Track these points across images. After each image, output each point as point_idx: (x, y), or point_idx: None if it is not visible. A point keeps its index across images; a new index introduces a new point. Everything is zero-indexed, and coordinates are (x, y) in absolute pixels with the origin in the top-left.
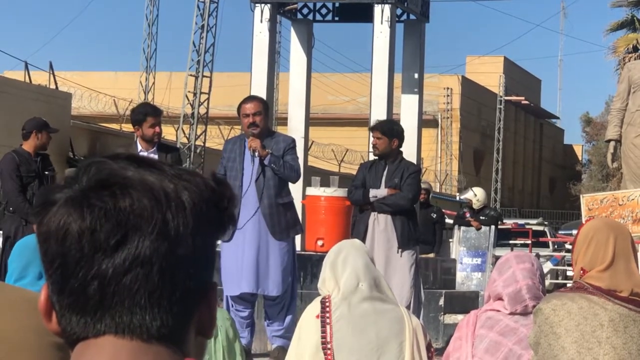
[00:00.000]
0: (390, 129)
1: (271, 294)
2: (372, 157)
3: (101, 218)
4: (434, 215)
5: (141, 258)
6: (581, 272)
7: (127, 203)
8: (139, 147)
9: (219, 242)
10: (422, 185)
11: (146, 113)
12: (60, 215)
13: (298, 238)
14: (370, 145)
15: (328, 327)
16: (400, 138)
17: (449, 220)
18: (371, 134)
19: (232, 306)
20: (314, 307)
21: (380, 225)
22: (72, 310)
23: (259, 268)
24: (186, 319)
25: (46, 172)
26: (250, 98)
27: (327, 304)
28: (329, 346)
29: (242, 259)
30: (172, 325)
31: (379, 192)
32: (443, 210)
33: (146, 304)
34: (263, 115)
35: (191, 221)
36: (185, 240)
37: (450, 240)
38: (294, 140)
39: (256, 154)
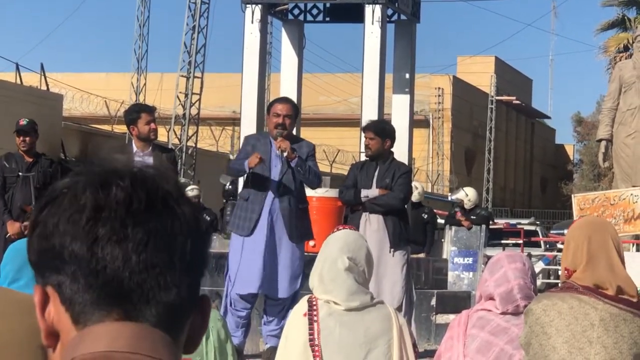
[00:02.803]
0: (383, 129)
1: (278, 296)
2: (363, 157)
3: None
4: (425, 216)
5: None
6: (565, 272)
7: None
8: (135, 148)
9: (233, 236)
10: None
11: (140, 110)
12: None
13: None
14: (362, 146)
15: (315, 324)
16: (393, 138)
17: (440, 221)
18: (363, 134)
19: (232, 305)
20: (301, 306)
21: (372, 225)
22: (88, 299)
23: (271, 269)
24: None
25: (30, 174)
26: (284, 99)
27: (314, 302)
28: (316, 343)
29: (258, 258)
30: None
31: (370, 192)
32: (434, 211)
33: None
34: (292, 120)
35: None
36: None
37: (442, 240)
38: (315, 147)
39: (285, 154)
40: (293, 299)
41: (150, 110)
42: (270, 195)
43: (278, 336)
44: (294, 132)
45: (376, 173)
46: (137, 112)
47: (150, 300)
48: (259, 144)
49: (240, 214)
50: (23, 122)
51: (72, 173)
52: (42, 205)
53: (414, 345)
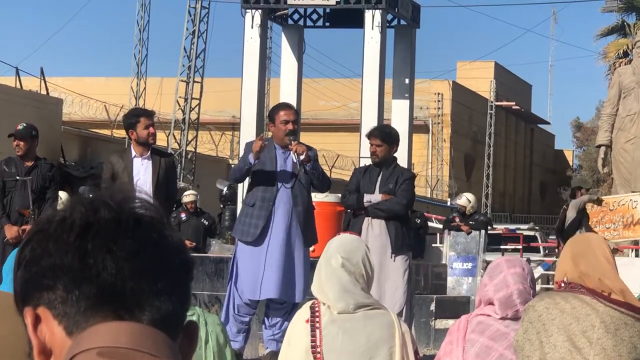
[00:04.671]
0: (389, 135)
1: (295, 301)
2: (363, 162)
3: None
4: (418, 221)
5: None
6: (556, 285)
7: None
8: (133, 153)
9: (239, 243)
10: None
11: (139, 115)
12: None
13: None
14: (362, 151)
15: (318, 331)
16: (398, 143)
17: (435, 225)
18: (368, 141)
19: (236, 311)
20: (303, 312)
21: (375, 230)
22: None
23: (287, 274)
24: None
25: (28, 178)
26: (287, 105)
27: (317, 308)
28: (318, 350)
29: (270, 264)
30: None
31: (373, 197)
32: (428, 215)
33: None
34: (298, 124)
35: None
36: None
37: (434, 245)
38: (317, 152)
39: (301, 158)
40: (294, 304)
41: (149, 114)
42: (280, 200)
43: (279, 340)
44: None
45: (379, 178)
46: (136, 116)
47: (144, 306)
48: (263, 150)
49: (246, 220)
50: (19, 126)
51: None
52: (29, 238)
53: (416, 353)
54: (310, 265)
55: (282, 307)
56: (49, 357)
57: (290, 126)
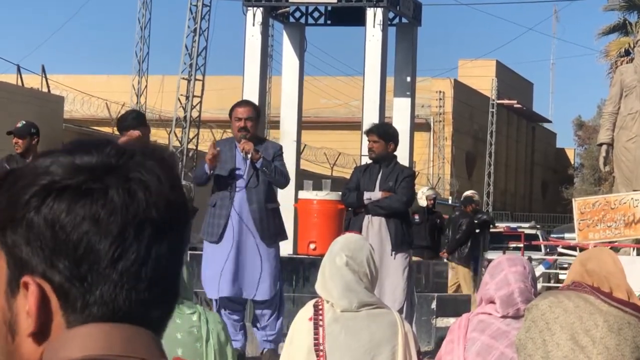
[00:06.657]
0: (386, 132)
1: (258, 299)
2: (364, 160)
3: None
4: (439, 221)
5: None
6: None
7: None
8: None
9: (205, 243)
10: (428, 192)
11: (120, 129)
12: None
13: (290, 241)
14: (363, 149)
15: (321, 329)
16: (396, 141)
17: None
18: (366, 137)
19: (224, 309)
20: (306, 310)
21: (374, 227)
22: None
23: (247, 272)
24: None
25: None
26: (243, 102)
27: (320, 307)
28: (321, 348)
29: (229, 262)
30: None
31: (373, 195)
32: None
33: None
34: (254, 122)
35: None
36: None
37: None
38: (281, 147)
39: (248, 156)
40: (280, 302)
41: (129, 128)
42: (236, 199)
43: (274, 340)
44: (286, 134)
45: (379, 176)
46: (119, 128)
47: (143, 321)
48: (224, 149)
49: (209, 220)
50: (19, 124)
51: (83, 156)
52: (47, 188)
53: (419, 352)
54: (310, 263)
55: (266, 307)
56: (41, 343)
57: (241, 123)
